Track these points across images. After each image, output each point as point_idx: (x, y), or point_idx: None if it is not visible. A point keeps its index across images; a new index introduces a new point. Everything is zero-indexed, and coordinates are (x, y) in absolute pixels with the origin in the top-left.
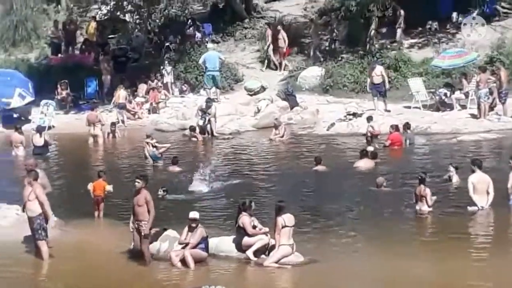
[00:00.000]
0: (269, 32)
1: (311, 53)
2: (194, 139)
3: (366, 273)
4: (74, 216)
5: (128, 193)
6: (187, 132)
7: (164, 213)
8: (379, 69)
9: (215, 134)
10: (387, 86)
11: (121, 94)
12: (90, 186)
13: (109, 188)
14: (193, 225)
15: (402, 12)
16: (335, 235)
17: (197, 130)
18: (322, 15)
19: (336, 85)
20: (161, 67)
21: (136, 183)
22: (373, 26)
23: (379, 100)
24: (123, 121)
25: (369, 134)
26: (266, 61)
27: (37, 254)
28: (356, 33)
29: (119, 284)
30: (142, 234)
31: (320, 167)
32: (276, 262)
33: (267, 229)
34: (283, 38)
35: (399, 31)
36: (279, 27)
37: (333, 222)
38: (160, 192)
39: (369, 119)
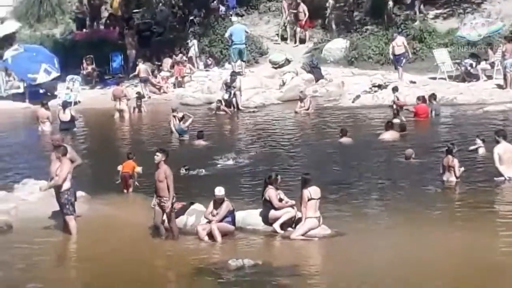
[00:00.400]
0: (284, 4)
1: (333, 26)
2: (221, 112)
3: (394, 246)
4: (102, 191)
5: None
6: (213, 105)
7: (191, 187)
8: (400, 40)
9: (240, 107)
10: (410, 56)
11: (141, 68)
12: (119, 167)
13: (139, 169)
14: (219, 200)
15: None
16: (362, 207)
17: (223, 103)
18: None
19: (361, 57)
20: (188, 41)
21: (156, 157)
22: None
23: (401, 71)
24: (146, 95)
25: (394, 105)
26: (287, 34)
27: (65, 229)
28: (380, 4)
29: (147, 258)
30: (165, 210)
31: (345, 139)
32: (303, 235)
33: (293, 202)
34: (303, 11)
35: (417, 3)
36: (298, 0)
37: (359, 194)
38: (182, 171)
39: (395, 89)
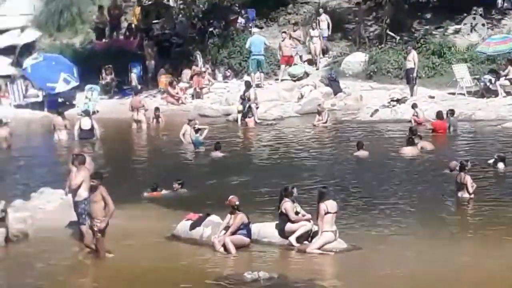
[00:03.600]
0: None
1: (363, 34)
2: (242, 124)
3: (410, 261)
4: (118, 201)
5: (169, 179)
6: (230, 117)
7: (207, 198)
8: (410, 55)
9: (256, 120)
10: (417, 73)
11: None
12: (147, 195)
13: (165, 192)
14: (233, 210)
15: None
16: (378, 221)
17: (239, 116)
18: (366, 0)
19: (380, 71)
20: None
21: (92, 183)
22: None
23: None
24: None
25: (413, 122)
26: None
27: (81, 239)
28: (400, 19)
29: (161, 269)
30: (94, 230)
31: (362, 152)
32: (319, 249)
33: (309, 216)
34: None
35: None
36: (288, 31)
37: (375, 208)
38: (175, 185)
39: (414, 106)
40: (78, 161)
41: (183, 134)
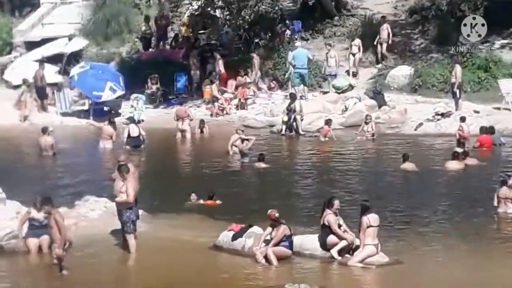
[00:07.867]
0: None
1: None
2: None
3: (452, 276)
4: (161, 210)
5: (214, 188)
6: (274, 128)
7: (250, 209)
8: (455, 69)
9: (300, 131)
10: (460, 87)
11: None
12: (203, 202)
13: (218, 202)
14: (275, 222)
15: None
16: (421, 235)
17: (283, 127)
18: (412, 13)
19: (425, 85)
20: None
21: (43, 210)
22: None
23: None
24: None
25: (457, 136)
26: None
27: (124, 247)
28: (446, 32)
29: (201, 278)
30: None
31: (408, 164)
32: (361, 262)
33: (352, 236)
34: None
35: None
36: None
37: (419, 223)
38: (192, 197)
39: (462, 119)
40: (124, 171)
41: (231, 144)
